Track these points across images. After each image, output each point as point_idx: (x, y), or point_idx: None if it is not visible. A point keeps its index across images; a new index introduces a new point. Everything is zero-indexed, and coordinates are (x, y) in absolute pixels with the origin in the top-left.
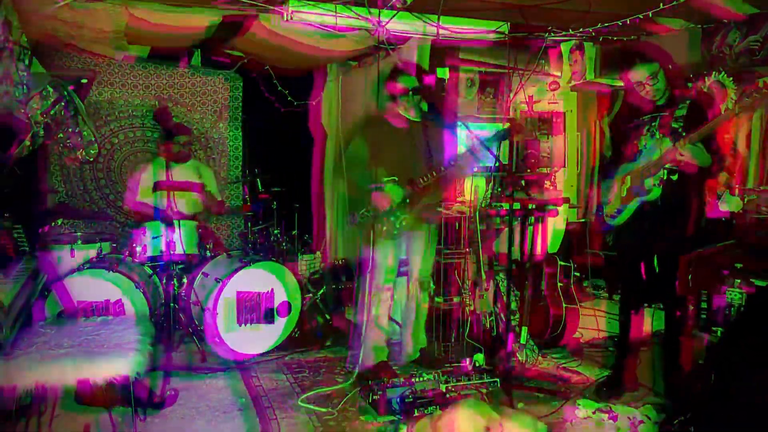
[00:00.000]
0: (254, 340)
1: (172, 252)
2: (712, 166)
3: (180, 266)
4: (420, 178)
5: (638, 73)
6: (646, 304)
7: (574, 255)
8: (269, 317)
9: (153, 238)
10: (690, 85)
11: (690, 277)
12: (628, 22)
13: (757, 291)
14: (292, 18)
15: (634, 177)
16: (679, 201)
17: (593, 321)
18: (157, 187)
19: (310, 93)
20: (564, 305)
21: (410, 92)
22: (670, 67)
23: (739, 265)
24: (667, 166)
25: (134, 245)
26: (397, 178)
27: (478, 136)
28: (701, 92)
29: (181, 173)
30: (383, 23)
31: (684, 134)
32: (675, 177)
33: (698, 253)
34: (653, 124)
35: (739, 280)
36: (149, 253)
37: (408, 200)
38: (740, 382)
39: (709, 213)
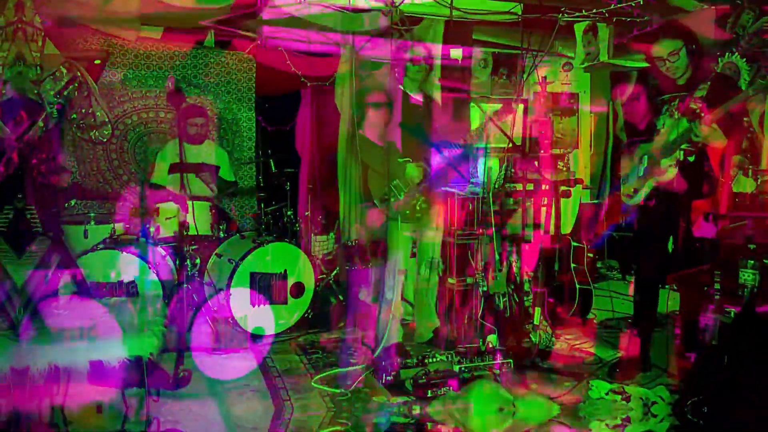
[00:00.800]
0: (267, 321)
1: (185, 233)
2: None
3: (193, 247)
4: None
5: (660, 49)
6: (660, 285)
7: (587, 236)
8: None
9: (166, 219)
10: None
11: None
12: (642, 2)
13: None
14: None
15: (651, 157)
16: (696, 183)
17: (606, 302)
18: (172, 168)
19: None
20: (577, 286)
21: (421, 62)
22: (693, 47)
23: (752, 246)
24: (683, 146)
25: (147, 226)
26: (411, 159)
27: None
28: (721, 74)
29: (196, 155)
30: (397, 3)
31: (702, 115)
32: (692, 158)
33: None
34: (672, 104)
35: (753, 261)
36: (162, 234)
37: (427, 181)
38: (753, 364)
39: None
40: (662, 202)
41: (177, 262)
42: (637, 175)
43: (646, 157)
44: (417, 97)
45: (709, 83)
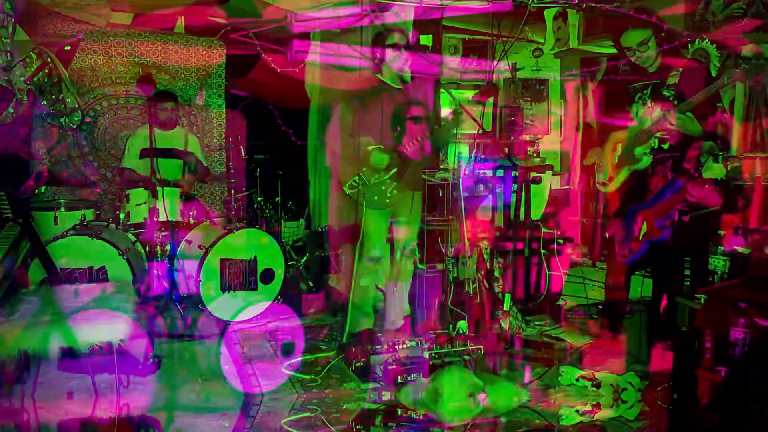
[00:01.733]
0: (237, 307)
1: (155, 219)
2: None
3: (163, 233)
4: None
5: (629, 39)
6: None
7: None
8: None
9: (136, 205)
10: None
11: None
12: None
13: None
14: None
15: (625, 145)
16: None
17: (577, 288)
18: (143, 154)
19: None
20: (547, 272)
21: (401, 49)
22: (662, 34)
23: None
24: (657, 134)
25: (117, 212)
26: (382, 146)
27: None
28: (694, 61)
29: (167, 140)
30: None
31: (675, 102)
32: (666, 146)
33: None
34: (645, 92)
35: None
36: (132, 220)
37: (396, 168)
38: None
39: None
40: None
41: (146, 248)
42: (611, 163)
43: (620, 145)
44: (395, 85)
45: (681, 70)
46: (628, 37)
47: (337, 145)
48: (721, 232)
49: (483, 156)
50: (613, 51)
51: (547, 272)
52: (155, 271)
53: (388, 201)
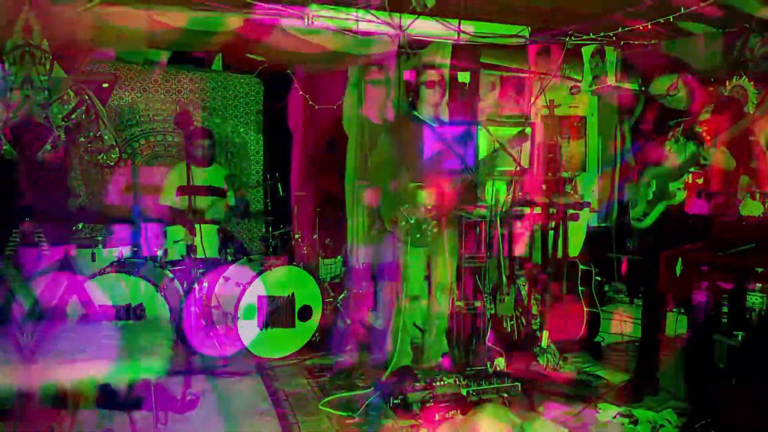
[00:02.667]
0: (275, 344)
1: (193, 256)
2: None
3: (201, 270)
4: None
5: (658, 86)
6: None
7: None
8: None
9: (174, 242)
10: (715, 89)
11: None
12: (650, 26)
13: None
14: (312, 22)
15: (659, 181)
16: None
17: (614, 325)
18: (180, 191)
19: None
20: (585, 309)
21: (436, 85)
22: (688, 75)
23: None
24: (692, 169)
25: (155, 249)
26: (422, 183)
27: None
28: (725, 96)
29: (204, 177)
30: (404, 27)
31: (708, 138)
32: (700, 180)
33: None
34: (678, 129)
35: (760, 285)
36: (170, 257)
37: (436, 206)
38: (762, 385)
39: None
40: (671, 224)
41: (185, 285)
42: (645, 198)
43: (654, 180)
44: (431, 122)
45: (713, 106)
46: (656, 84)
47: (380, 181)
48: (759, 269)
49: (521, 193)
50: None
51: (585, 309)
52: (193, 308)
53: (429, 239)
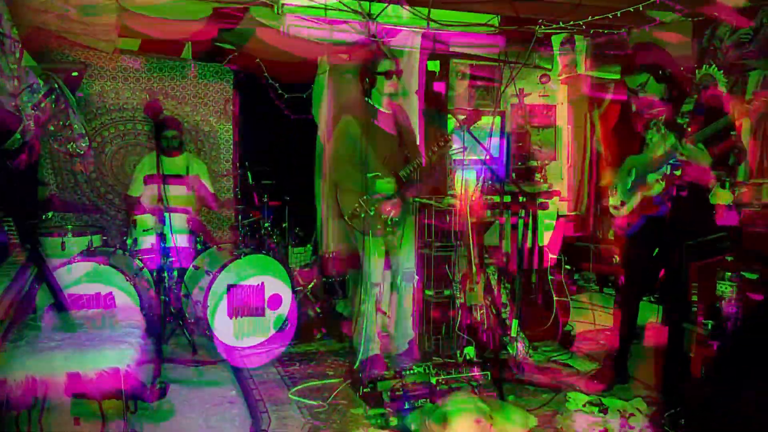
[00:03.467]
0: (244, 333)
1: (162, 245)
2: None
3: (170, 259)
4: (402, 172)
5: (630, 82)
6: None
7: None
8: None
9: (143, 231)
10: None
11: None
12: (619, 15)
13: (756, 303)
14: (282, 11)
15: (638, 170)
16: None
17: (584, 314)
18: (147, 180)
19: (304, 86)
20: (554, 298)
21: (392, 75)
22: (660, 72)
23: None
24: (671, 161)
25: (124, 238)
26: (380, 174)
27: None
28: (707, 89)
29: (173, 166)
30: (374, 15)
31: (689, 130)
32: (678, 172)
33: (707, 262)
34: (659, 118)
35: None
36: (139, 246)
37: (398, 195)
38: (739, 393)
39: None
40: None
41: (154, 274)
42: (625, 187)
43: (634, 170)
44: (385, 110)
45: (695, 97)
46: (628, 80)
47: (337, 172)
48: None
49: (490, 182)
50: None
51: (554, 298)
52: (162, 297)
53: (390, 229)
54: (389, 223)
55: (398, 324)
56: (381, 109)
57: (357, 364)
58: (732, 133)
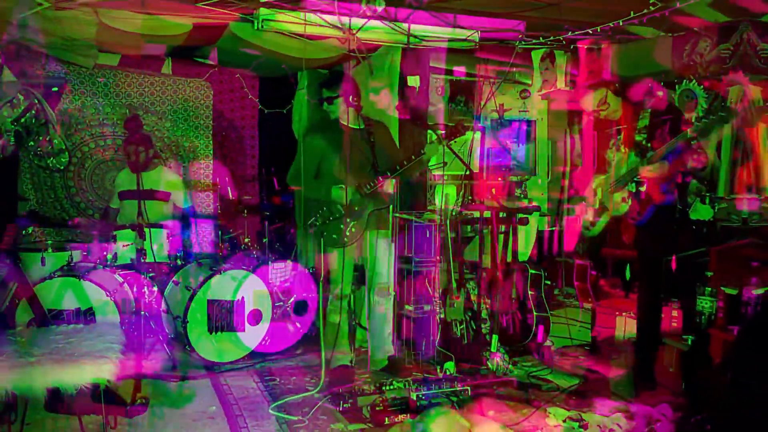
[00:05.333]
0: (224, 348)
1: (142, 260)
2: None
3: (150, 274)
4: (366, 184)
5: (589, 103)
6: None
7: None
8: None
9: (123, 246)
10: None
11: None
12: (599, 30)
13: None
14: (262, 26)
15: (604, 191)
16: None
17: (563, 329)
18: (122, 195)
19: (285, 99)
20: (535, 313)
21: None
22: (616, 85)
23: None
24: (636, 178)
25: (105, 253)
26: (343, 186)
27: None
28: (663, 101)
29: (148, 181)
30: (354, 32)
31: (648, 145)
32: (643, 188)
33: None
34: (618, 137)
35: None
36: (120, 261)
37: (356, 207)
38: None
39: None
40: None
41: (134, 289)
42: (593, 206)
43: (599, 189)
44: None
45: (649, 111)
46: (587, 101)
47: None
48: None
49: (470, 197)
50: None
51: (535, 313)
52: (142, 312)
53: (346, 240)
54: (347, 233)
55: (376, 338)
56: (347, 124)
57: (322, 373)
58: (698, 149)
